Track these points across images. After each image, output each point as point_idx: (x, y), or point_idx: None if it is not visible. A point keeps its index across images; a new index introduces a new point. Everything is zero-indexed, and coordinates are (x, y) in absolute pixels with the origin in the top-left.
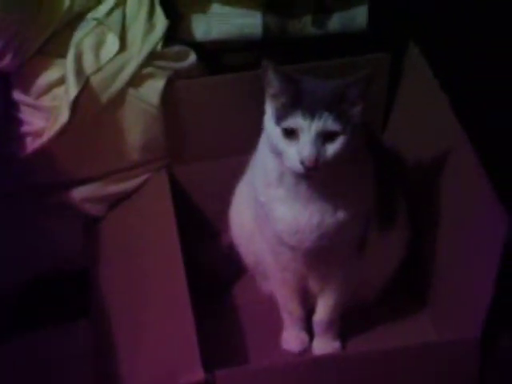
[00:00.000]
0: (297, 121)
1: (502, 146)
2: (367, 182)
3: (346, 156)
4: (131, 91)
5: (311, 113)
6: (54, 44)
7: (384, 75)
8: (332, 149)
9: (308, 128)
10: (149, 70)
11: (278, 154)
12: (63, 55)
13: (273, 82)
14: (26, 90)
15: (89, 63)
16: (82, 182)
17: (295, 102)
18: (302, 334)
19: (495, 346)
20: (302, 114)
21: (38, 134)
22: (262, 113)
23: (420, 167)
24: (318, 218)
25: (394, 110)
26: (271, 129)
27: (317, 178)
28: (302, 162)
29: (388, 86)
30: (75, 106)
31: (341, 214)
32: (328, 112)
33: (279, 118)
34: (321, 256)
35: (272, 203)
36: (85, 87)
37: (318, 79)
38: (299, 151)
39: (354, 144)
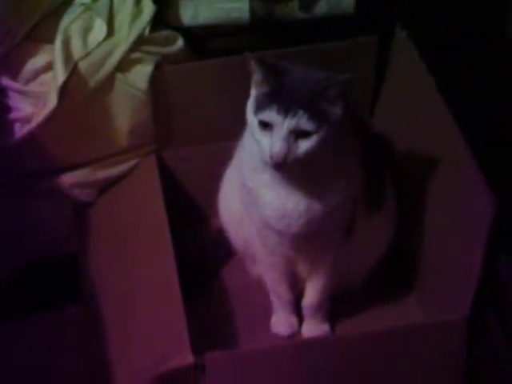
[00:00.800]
0: (271, 115)
1: (489, 129)
2: (354, 167)
3: (321, 153)
4: (119, 76)
5: (286, 109)
6: (42, 29)
7: (371, 58)
8: (304, 146)
9: (281, 124)
10: (136, 54)
11: (256, 141)
12: (51, 41)
13: (255, 72)
14: (13, 75)
15: (77, 48)
16: (71, 167)
17: (274, 95)
18: (291, 317)
19: (482, 327)
20: (277, 110)
21: (26, 120)
22: (248, 98)
23: (408, 151)
24: (305, 203)
25: (382, 93)
26: (250, 117)
27: (286, 171)
28: (271, 157)
29: (375, 69)
30: (63, 91)
31: (328, 199)
32: (303, 110)
33: (257, 108)
34: (308, 240)
35: (259, 188)
36: (73, 72)
37: (305, 70)
38: (270, 145)
39: (331, 141)
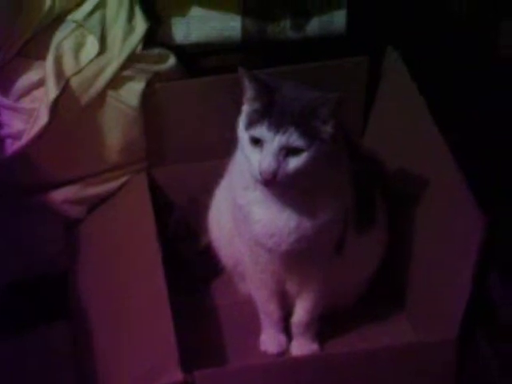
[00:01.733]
0: (262, 131)
1: (480, 149)
2: (345, 185)
3: (311, 170)
4: (111, 93)
5: (277, 126)
6: (34, 46)
7: (363, 79)
8: (294, 164)
9: (271, 141)
10: (128, 72)
11: (246, 157)
12: (43, 57)
13: (248, 89)
14: (5, 91)
15: (68, 65)
16: (62, 183)
17: (265, 111)
18: (281, 335)
19: (472, 347)
20: (268, 126)
21: (17, 137)
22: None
23: (398, 170)
24: (295, 221)
25: (373, 113)
26: (241, 132)
27: (276, 188)
28: (261, 173)
29: (366, 89)
30: (55, 107)
31: (318, 217)
32: (294, 127)
33: (248, 124)
34: (298, 258)
35: (249, 206)
36: (64, 89)
37: (298, 87)
38: (260, 161)
39: (321, 159)
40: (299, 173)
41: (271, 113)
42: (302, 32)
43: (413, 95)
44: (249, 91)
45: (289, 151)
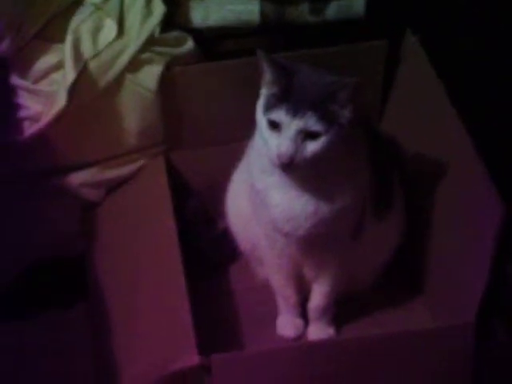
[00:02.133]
0: (280, 115)
1: (499, 134)
2: (363, 170)
3: (328, 155)
4: (129, 76)
5: (295, 110)
6: (52, 29)
7: (381, 63)
8: (312, 148)
9: (289, 125)
10: (146, 55)
11: (264, 141)
12: (61, 40)
13: (266, 72)
14: (23, 74)
15: (87, 48)
16: (80, 167)
17: (284, 95)
18: (297, 319)
19: (489, 331)
20: (286, 110)
21: (35, 119)
22: (258, 99)
23: (417, 155)
24: (313, 206)
25: (391, 97)
26: (259, 116)
27: (294, 172)
28: (279, 157)
29: (385, 73)
30: (73, 90)
31: (336, 202)
32: (312, 111)
33: (267, 107)
34: (316, 243)
35: (267, 190)
36: (82, 72)
37: (316, 71)
38: (278, 145)
39: (339, 144)
40: (317, 157)
41: (289, 97)
42: (321, 16)
43: (431, 79)
44: (267, 75)
45: (306, 135)
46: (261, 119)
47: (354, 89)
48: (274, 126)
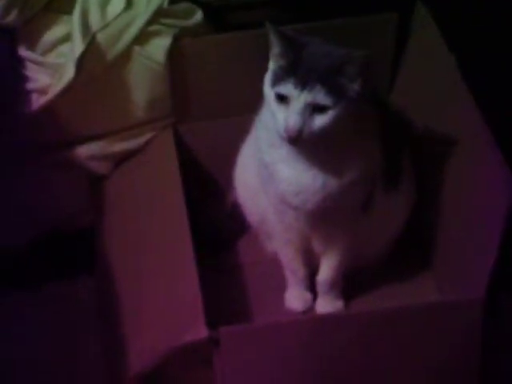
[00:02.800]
0: (288, 88)
1: (509, 108)
2: (372, 144)
3: (337, 129)
4: (137, 49)
5: (303, 83)
6: (60, 0)
7: (391, 35)
8: (320, 121)
9: (297, 98)
10: (155, 27)
11: (272, 115)
12: (69, 12)
13: (274, 45)
14: (31, 46)
15: (95, 20)
16: (88, 139)
17: (292, 68)
18: (306, 293)
19: (497, 307)
20: (294, 83)
21: (43, 91)
22: (267, 71)
23: (426, 128)
24: (322, 180)
25: (401, 70)
26: (267, 89)
27: (302, 146)
28: (286, 131)
29: (395, 46)
30: (81, 62)
31: (345, 176)
32: (321, 84)
33: (274, 81)
34: (324, 216)
35: (276, 164)
36: (91, 44)
37: (325, 44)
38: (286, 118)
39: (348, 118)
40: (325, 131)
41: (297, 70)
42: None
43: (442, 52)
44: (275, 47)
45: (315, 109)
46: (269, 92)
47: (363, 62)
48: (282, 99)
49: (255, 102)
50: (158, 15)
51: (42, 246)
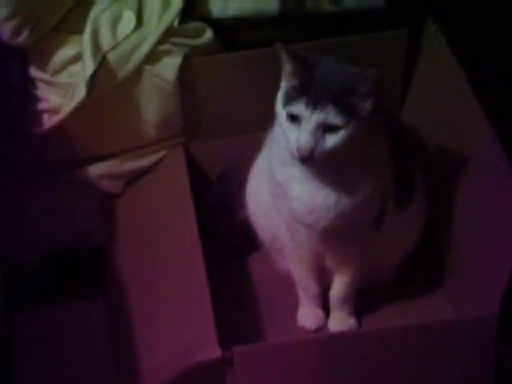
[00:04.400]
0: (300, 108)
1: None
2: (384, 161)
3: (349, 147)
4: (148, 68)
5: (315, 103)
6: (71, 20)
7: (401, 52)
8: (332, 141)
9: (309, 118)
10: (165, 46)
11: (283, 134)
12: (80, 32)
13: (286, 64)
14: (42, 66)
15: (105, 40)
16: (99, 158)
17: (303, 88)
18: (318, 310)
19: None
20: (306, 103)
21: (54, 111)
22: (278, 90)
23: (438, 145)
24: (334, 198)
25: (412, 87)
26: (279, 109)
27: (314, 165)
28: (298, 151)
29: (406, 62)
30: (92, 82)
31: (357, 194)
32: (332, 104)
33: (286, 100)
34: (337, 234)
35: (288, 182)
36: (101, 64)
37: (336, 63)
38: (297, 138)
39: (359, 136)
40: (337, 150)
41: (309, 89)
42: (341, 5)
43: (453, 69)
44: (287, 67)
45: (326, 128)
46: (280, 112)
47: (374, 82)
48: (294, 118)
49: (266, 120)
50: (168, 34)
51: (55, 264)
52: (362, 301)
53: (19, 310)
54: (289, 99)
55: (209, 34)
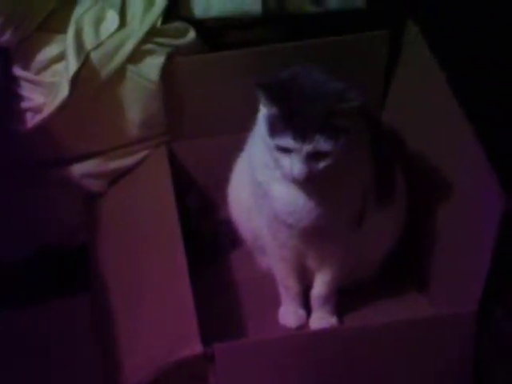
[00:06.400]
0: (288, 142)
1: (500, 125)
2: (364, 161)
3: (338, 160)
4: (131, 67)
5: (302, 135)
6: (54, 20)
7: (382, 53)
8: (324, 163)
9: (299, 149)
10: (148, 46)
11: (274, 160)
12: (63, 31)
13: (262, 98)
14: (26, 65)
15: (89, 39)
16: (82, 157)
17: (286, 120)
18: (300, 309)
19: (491, 320)
20: (293, 136)
21: (38, 110)
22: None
23: (418, 145)
24: (316, 199)
25: (393, 87)
26: (266, 139)
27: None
28: (293, 178)
29: (386, 63)
30: (75, 81)
31: (338, 194)
32: (319, 133)
33: (272, 132)
34: (318, 234)
35: (269, 183)
36: (85, 63)
37: (314, 78)
38: (291, 168)
39: (347, 148)
40: (329, 169)
41: (293, 121)
42: (323, 6)
43: (433, 70)
44: (264, 100)
45: (316, 155)
46: (267, 140)
47: (357, 102)
48: (283, 149)
49: (249, 119)
50: (151, 34)
51: (39, 263)
52: (342, 300)
53: (2, 308)
54: (274, 131)
55: (192, 34)
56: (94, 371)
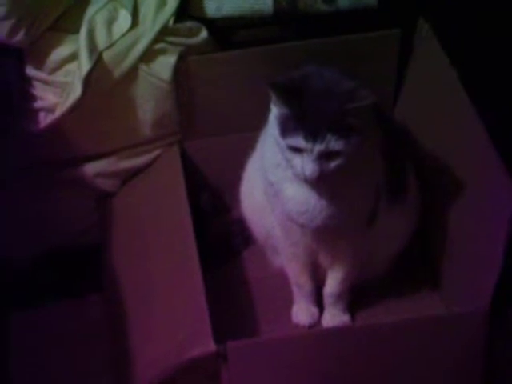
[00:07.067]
0: (299, 141)
1: None
2: (376, 160)
3: (350, 160)
4: (143, 67)
5: (313, 135)
6: (67, 20)
7: (394, 51)
8: (335, 163)
9: (311, 149)
10: (160, 45)
11: (286, 159)
12: (76, 31)
13: (273, 98)
14: (39, 65)
15: (101, 39)
16: (95, 157)
17: (298, 119)
18: (312, 307)
19: (503, 319)
20: (305, 136)
21: (50, 110)
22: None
23: (430, 143)
24: (328, 198)
25: (405, 85)
26: (278, 139)
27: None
28: (305, 178)
29: (398, 62)
30: (88, 81)
31: (350, 193)
32: (331, 133)
33: (283, 132)
34: (331, 232)
35: (281, 183)
36: (97, 63)
37: (325, 78)
38: (302, 167)
39: (359, 147)
40: (341, 168)
41: (304, 121)
42: (334, 5)
43: (445, 68)
44: (275, 99)
45: (328, 155)
46: (278, 140)
47: (369, 102)
48: (295, 149)
49: (260, 118)
50: (163, 34)
51: (51, 263)
52: (355, 298)
53: (15, 309)
54: (286, 131)
55: (204, 34)
56: (105, 371)
